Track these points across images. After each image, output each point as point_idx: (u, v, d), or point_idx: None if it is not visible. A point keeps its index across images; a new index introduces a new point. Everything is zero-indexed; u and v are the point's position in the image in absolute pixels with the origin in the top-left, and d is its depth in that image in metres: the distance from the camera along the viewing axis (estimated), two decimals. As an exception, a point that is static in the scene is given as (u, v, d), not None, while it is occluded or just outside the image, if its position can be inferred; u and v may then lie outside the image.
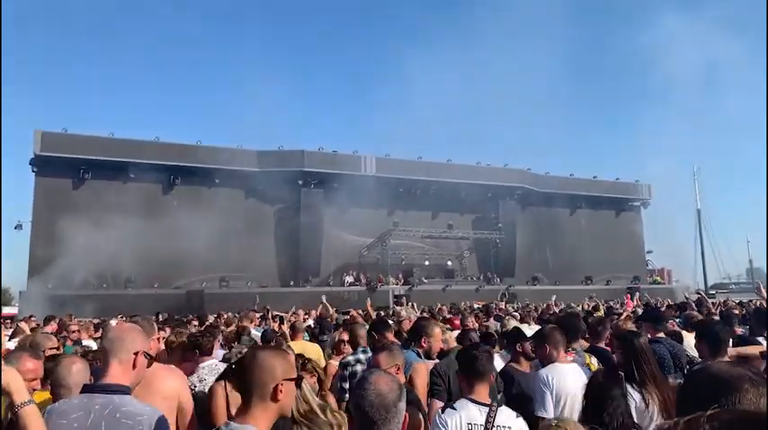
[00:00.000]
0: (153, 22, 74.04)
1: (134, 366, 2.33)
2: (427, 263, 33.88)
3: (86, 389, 2.28)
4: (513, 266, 35.47)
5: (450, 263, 35.03)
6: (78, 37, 78.29)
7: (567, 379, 3.57)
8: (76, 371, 2.85)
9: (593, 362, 4.49)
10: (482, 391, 3.03)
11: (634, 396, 3.24)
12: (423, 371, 3.98)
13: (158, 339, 4.31)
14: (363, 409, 1.88)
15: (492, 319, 10.03)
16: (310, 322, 10.44)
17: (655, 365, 3.45)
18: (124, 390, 2.23)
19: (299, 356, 4.74)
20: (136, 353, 2.33)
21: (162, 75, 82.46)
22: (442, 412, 2.90)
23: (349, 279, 31.50)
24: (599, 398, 2.72)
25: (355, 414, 1.96)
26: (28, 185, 28.17)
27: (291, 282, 30.26)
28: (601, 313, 11.43)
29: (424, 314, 11.00)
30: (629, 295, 19.01)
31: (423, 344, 4.16)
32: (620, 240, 39.30)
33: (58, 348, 4.61)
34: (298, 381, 2.12)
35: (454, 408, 2.89)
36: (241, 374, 2.07)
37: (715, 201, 75.92)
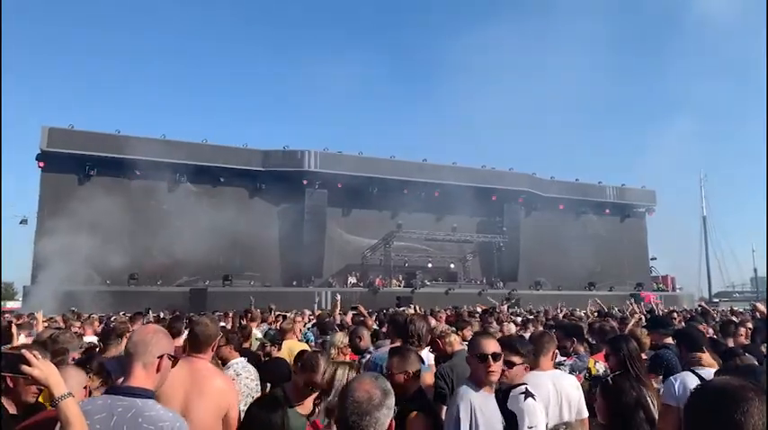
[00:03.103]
0: (158, 21, 74.35)
1: (158, 369, 2.32)
2: (430, 265, 33.86)
3: (110, 390, 2.28)
4: (517, 270, 35.43)
5: (453, 266, 34.99)
6: (87, 33, 78.66)
7: (543, 386, 3.56)
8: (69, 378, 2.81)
9: (598, 368, 4.49)
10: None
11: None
12: (428, 379, 3.97)
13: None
14: (342, 415, 1.90)
15: (494, 323, 10.00)
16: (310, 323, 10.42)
17: (644, 368, 3.67)
18: (148, 395, 2.22)
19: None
20: (160, 357, 2.33)
21: (168, 73, 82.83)
22: (534, 399, 3.13)
23: (352, 280, 31.51)
24: (619, 411, 2.81)
25: (337, 418, 1.98)
26: (34, 181, 28.32)
27: (294, 282, 30.28)
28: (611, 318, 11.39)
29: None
30: (648, 298, 19.00)
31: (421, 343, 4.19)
32: (625, 246, 39.21)
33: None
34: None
35: (532, 395, 3.15)
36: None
37: (721, 208, 75.60)
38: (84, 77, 79.66)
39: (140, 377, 2.26)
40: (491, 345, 3.07)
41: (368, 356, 4.84)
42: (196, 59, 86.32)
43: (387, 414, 1.93)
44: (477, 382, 3.05)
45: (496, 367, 3.03)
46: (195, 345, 3.23)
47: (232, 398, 3.15)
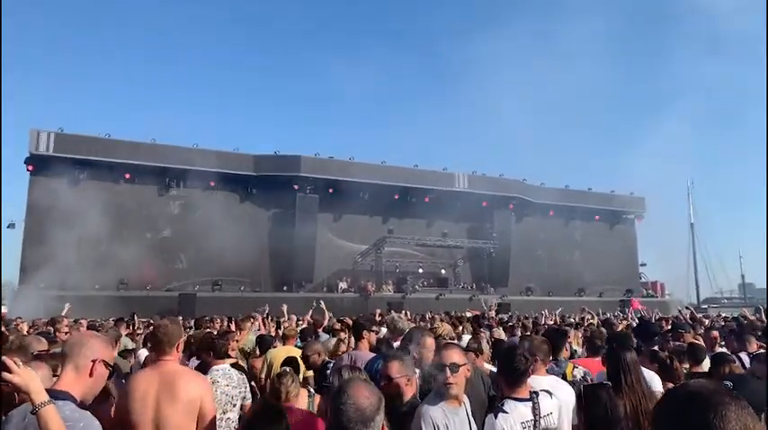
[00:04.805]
0: (151, 24, 74.12)
1: (91, 374, 2.34)
2: (421, 271, 33.87)
3: None
4: (507, 276, 35.47)
5: (443, 271, 35.01)
6: (77, 34, 78.29)
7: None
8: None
9: (576, 374, 4.51)
10: (524, 389, 3.09)
11: None
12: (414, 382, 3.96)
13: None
14: (341, 423, 1.86)
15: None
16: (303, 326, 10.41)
17: (637, 376, 3.54)
18: (65, 397, 2.24)
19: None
20: (94, 361, 2.35)
21: (161, 76, 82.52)
22: (495, 417, 2.91)
23: (343, 285, 31.43)
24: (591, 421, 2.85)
25: (333, 425, 1.92)
26: (22, 184, 28.04)
27: (285, 287, 30.16)
28: (594, 323, 11.47)
29: (420, 323, 11.03)
30: (635, 301, 19.18)
31: (414, 354, 4.12)
32: (614, 252, 39.38)
33: (48, 350, 4.55)
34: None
35: (506, 411, 2.93)
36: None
37: (709, 215, 76.34)
38: (75, 80, 79.15)
39: (69, 380, 2.30)
40: (451, 355, 2.96)
41: (338, 361, 4.89)
42: (188, 63, 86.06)
43: (382, 417, 1.94)
44: (440, 396, 2.93)
45: (455, 379, 2.92)
46: (158, 348, 3.25)
47: (203, 393, 3.15)
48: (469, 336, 6.60)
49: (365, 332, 5.17)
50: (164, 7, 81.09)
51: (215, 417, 3.20)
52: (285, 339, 6.69)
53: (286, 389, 3.38)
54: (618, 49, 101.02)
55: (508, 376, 3.11)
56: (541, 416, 2.99)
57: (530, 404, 3.01)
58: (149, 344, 7.12)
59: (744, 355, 5.56)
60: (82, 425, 2.21)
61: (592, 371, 4.61)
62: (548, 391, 3.19)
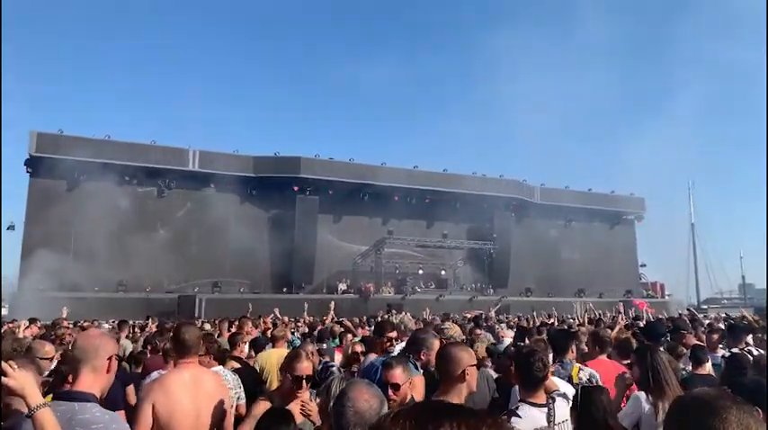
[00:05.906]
0: (151, 26, 74.15)
1: (108, 370, 2.38)
2: (421, 272, 33.84)
3: (57, 396, 2.33)
4: (507, 277, 35.48)
5: (443, 272, 34.97)
6: (76, 36, 78.28)
7: None
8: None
9: (581, 376, 4.47)
10: (540, 394, 3.04)
11: (644, 407, 3.36)
12: (420, 385, 3.93)
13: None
14: (341, 425, 1.88)
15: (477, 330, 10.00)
16: (305, 329, 10.41)
17: (672, 378, 3.51)
18: (87, 398, 2.25)
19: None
20: (110, 358, 2.39)
21: (158, 78, 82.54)
22: (508, 420, 2.82)
23: (342, 286, 31.42)
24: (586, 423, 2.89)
25: (333, 427, 1.95)
26: (22, 186, 28.05)
27: (284, 289, 30.14)
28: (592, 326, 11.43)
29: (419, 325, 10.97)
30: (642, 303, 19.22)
31: (421, 356, 4.10)
32: (614, 253, 39.37)
33: (52, 359, 4.51)
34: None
35: (519, 416, 2.88)
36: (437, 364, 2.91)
37: (709, 215, 76.37)
38: (74, 82, 79.18)
39: (87, 381, 2.31)
40: (394, 376, 2.96)
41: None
42: (188, 64, 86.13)
43: None
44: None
45: (396, 396, 2.88)
46: (183, 351, 3.29)
47: (227, 391, 3.35)
48: (510, 340, 6.47)
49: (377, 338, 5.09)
50: (163, 7, 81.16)
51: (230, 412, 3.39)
52: (274, 341, 6.55)
53: (300, 353, 3.40)
54: (618, 49, 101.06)
55: (526, 382, 3.07)
56: (556, 423, 2.93)
57: (545, 410, 2.96)
58: (149, 347, 7.13)
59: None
60: (114, 427, 2.22)
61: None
62: (565, 396, 3.13)
